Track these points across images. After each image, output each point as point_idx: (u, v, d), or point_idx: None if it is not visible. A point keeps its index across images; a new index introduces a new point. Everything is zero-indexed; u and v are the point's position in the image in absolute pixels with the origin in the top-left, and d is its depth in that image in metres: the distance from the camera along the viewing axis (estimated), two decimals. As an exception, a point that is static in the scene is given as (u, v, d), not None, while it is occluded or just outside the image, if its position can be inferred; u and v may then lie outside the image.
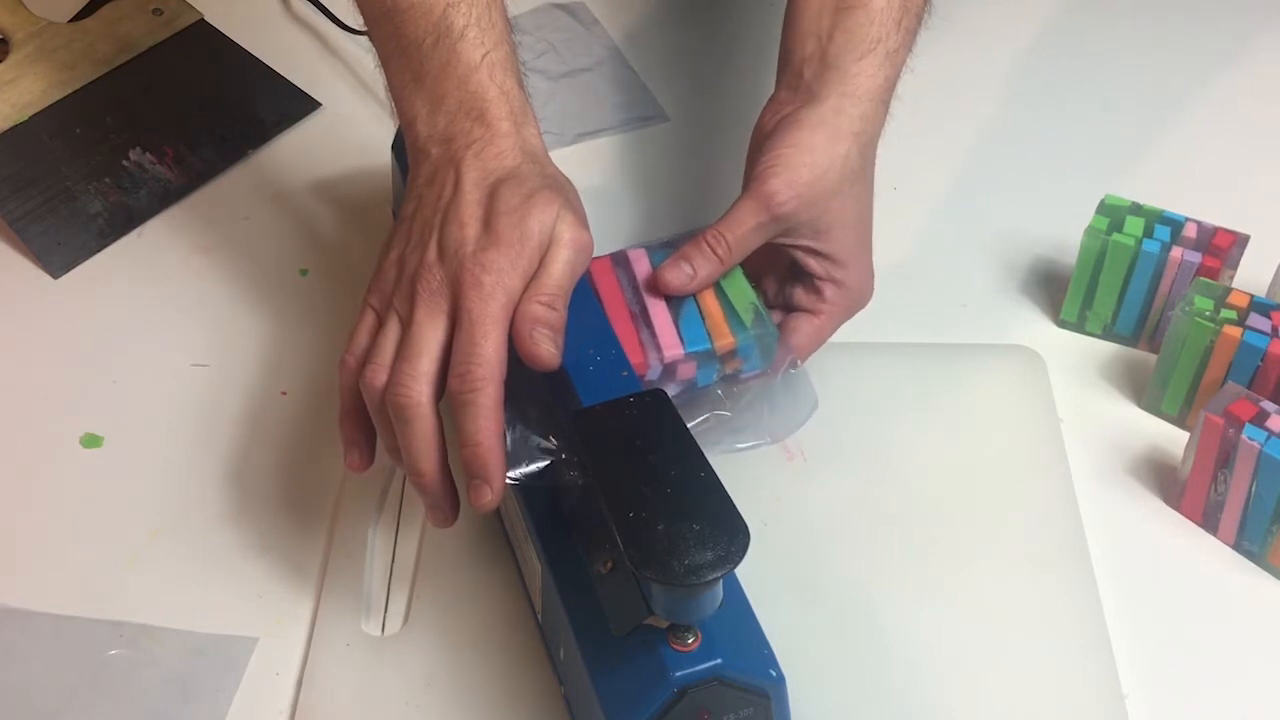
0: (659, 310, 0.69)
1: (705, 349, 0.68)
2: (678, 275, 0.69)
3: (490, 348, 0.60)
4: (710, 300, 0.70)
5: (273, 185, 0.93)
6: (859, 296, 0.73)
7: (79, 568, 0.72)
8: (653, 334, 0.68)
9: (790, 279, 0.73)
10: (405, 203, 0.67)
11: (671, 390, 0.68)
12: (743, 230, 0.69)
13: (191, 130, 0.94)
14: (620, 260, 0.71)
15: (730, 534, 0.54)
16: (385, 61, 0.69)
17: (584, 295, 0.67)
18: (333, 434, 0.77)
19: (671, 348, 0.68)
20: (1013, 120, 0.97)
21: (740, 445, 0.70)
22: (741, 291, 0.70)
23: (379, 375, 0.62)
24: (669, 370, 0.69)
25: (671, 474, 0.56)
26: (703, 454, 0.57)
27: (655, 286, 0.70)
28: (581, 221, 0.65)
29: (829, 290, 0.72)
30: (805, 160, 0.69)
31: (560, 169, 0.67)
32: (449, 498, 0.63)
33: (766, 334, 0.69)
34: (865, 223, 0.72)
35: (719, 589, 0.55)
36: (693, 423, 0.68)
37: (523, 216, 0.62)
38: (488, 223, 0.63)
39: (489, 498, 0.60)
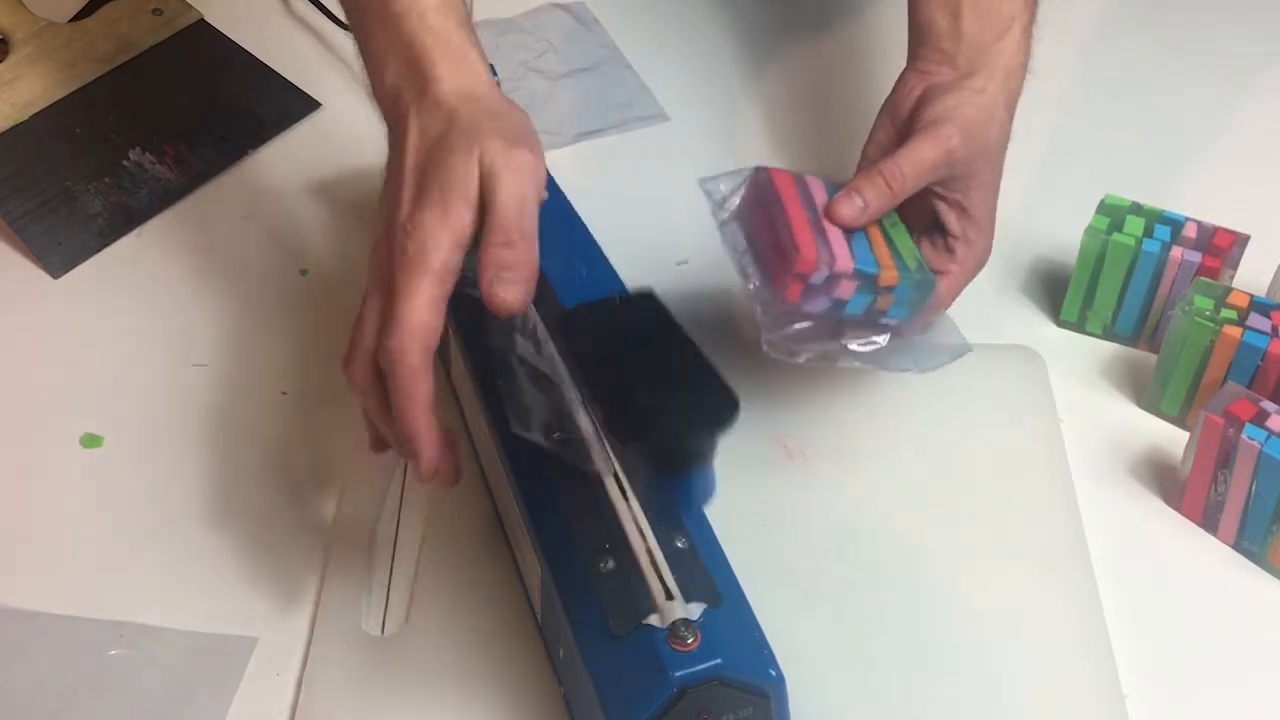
0: (834, 228, 0.69)
1: (872, 273, 0.68)
2: (850, 206, 0.69)
3: (407, 318, 0.57)
4: (878, 237, 0.70)
5: (273, 185, 0.93)
6: (983, 259, 0.74)
7: (79, 568, 0.72)
8: (827, 242, 0.67)
9: (922, 236, 0.74)
10: None
11: (818, 306, 0.68)
12: (919, 166, 0.69)
13: (191, 130, 0.94)
14: (799, 179, 0.71)
15: (719, 400, 0.51)
16: (353, 31, 0.68)
17: (563, 212, 0.64)
18: (333, 434, 0.78)
19: (844, 259, 0.67)
20: (1013, 120, 0.97)
21: (886, 370, 0.70)
22: (905, 241, 0.70)
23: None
24: (830, 282, 0.67)
25: (658, 356, 0.54)
26: (694, 343, 0.54)
27: (828, 216, 0.69)
28: (514, 142, 0.60)
29: (960, 249, 0.72)
30: (971, 115, 0.70)
31: (509, 99, 0.64)
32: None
33: (925, 281, 0.69)
34: (998, 188, 0.74)
35: (710, 469, 0.52)
36: (855, 342, 0.68)
37: (442, 165, 0.59)
38: (419, 185, 0.60)
39: (424, 469, 0.59)
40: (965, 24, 0.73)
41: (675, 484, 0.53)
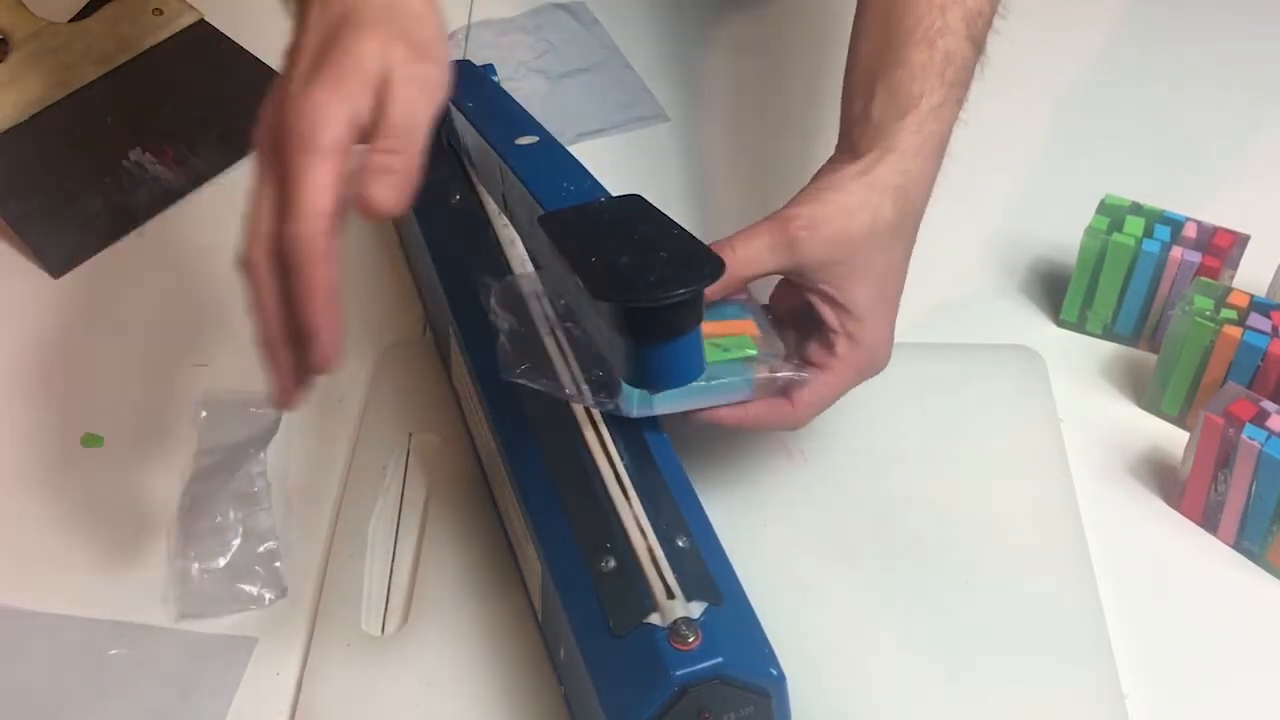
0: None
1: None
2: None
3: (310, 201, 0.55)
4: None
5: (273, 185, 0.93)
6: (873, 358, 0.69)
7: (79, 568, 0.72)
8: None
9: (806, 334, 0.70)
10: None
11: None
12: (754, 245, 0.66)
13: (191, 130, 0.94)
14: None
15: (700, 260, 0.50)
16: None
17: (551, 145, 0.64)
18: (332, 434, 0.78)
19: None
20: (1013, 120, 0.97)
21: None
22: (733, 341, 0.67)
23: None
24: None
25: (641, 232, 0.52)
26: (679, 224, 0.53)
27: None
28: (420, 52, 0.59)
29: (841, 345, 0.68)
30: (833, 199, 0.66)
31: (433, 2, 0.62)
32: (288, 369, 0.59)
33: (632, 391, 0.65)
34: (891, 281, 0.69)
35: (697, 339, 0.51)
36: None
37: (342, 50, 0.57)
38: (316, 61, 0.58)
39: (322, 363, 0.57)
40: (874, 108, 0.69)
41: (661, 355, 0.52)
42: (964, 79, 0.70)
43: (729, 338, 0.67)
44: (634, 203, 0.55)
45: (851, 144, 0.69)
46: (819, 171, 0.70)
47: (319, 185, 0.55)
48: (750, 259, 0.67)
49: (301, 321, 0.57)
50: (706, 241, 0.68)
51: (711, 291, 0.66)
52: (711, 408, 0.68)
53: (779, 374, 0.68)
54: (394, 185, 0.56)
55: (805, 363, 0.69)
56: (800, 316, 0.70)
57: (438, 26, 0.62)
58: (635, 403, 0.66)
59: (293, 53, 0.60)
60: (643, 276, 0.49)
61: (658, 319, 0.51)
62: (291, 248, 0.55)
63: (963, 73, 0.70)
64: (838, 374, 0.68)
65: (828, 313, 0.68)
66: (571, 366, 0.67)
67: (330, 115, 0.56)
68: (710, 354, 0.66)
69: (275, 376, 0.59)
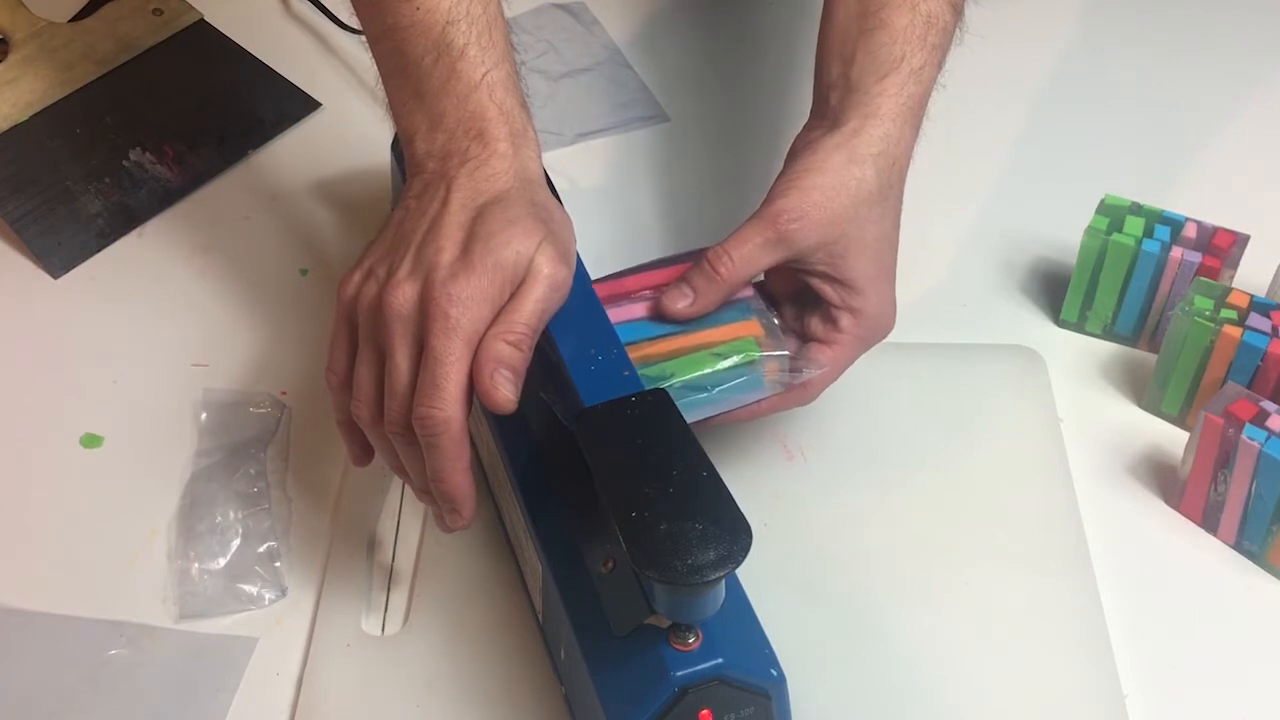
0: (651, 303, 0.68)
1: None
2: (678, 301, 0.68)
3: (451, 388, 0.59)
4: (685, 340, 0.67)
5: (273, 185, 0.93)
6: (878, 326, 0.70)
7: (79, 568, 0.72)
8: (632, 301, 0.68)
9: (808, 307, 0.70)
10: (394, 211, 0.66)
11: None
12: (747, 247, 0.67)
13: (191, 130, 0.94)
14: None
15: (733, 533, 0.54)
16: (386, 79, 0.68)
17: (584, 294, 0.66)
18: (332, 434, 0.78)
19: (613, 315, 0.66)
20: (1013, 120, 0.97)
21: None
22: (694, 363, 0.67)
23: (364, 411, 0.63)
24: None
25: (674, 473, 0.56)
26: (705, 454, 0.57)
27: (662, 310, 0.68)
28: (562, 256, 0.62)
29: (845, 319, 0.68)
30: (817, 181, 0.66)
31: (557, 200, 0.66)
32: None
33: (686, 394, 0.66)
34: (885, 248, 0.69)
35: (721, 588, 0.55)
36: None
37: (501, 244, 0.60)
38: (466, 247, 0.61)
39: (460, 524, 0.63)
40: (853, 71, 0.69)
41: (686, 603, 0.55)
42: (944, 43, 0.70)
43: (728, 344, 0.68)
44: (661, 409, 0.59)
45: (828, 110, 0.69)
46: (795, 145, 0.70)
47: (463, 373, 0.59)
48: (746, 261, 0.67)
49: (440, 493, 0.62)
50: (704, 243, 0.69)
51: (710, 302, 0.68)
52: (725, 413, 0.68)
53: (792, 374, 0.68)
54: (513, 382, 0.60)
55: (809, 338, 0.70)
56: (799, 293, 0.71)
57: (573, 235, 0.65)
58: None
59: (434, 225, 0.62)
60: (680, 556, 0.53)
61: (690, 589, 0.54)
62: (432, 430, 0.59)
63: (943, 36, 0.70)
64: (845, 347, 0.69)
65: (828, 291, 0.68)
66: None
67: (480, 309, 0.60)
68: (710, 362, 0.67)
69: (434, 512, 0.65)
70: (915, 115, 0.69)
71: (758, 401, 0.68)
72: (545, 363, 0.64)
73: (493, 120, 0.64)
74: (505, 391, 0.59)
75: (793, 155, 0.70)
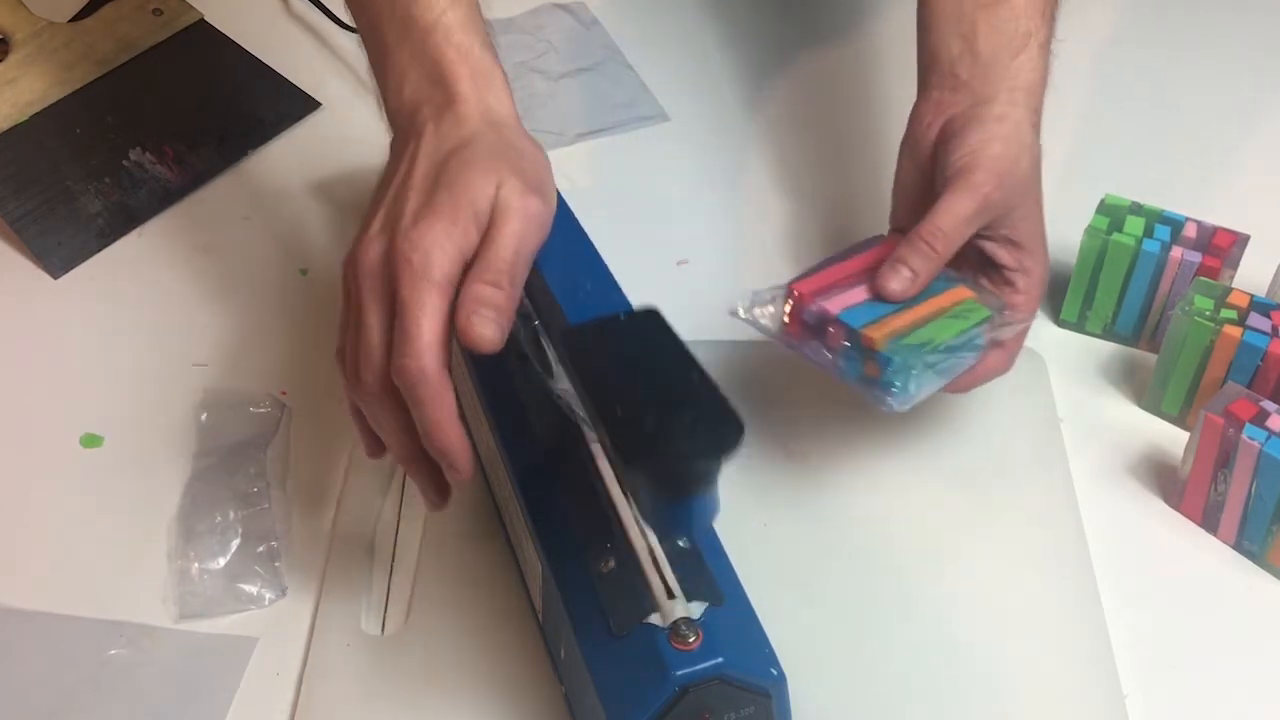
0: (866, 285, 0.68)
1: (853, 327, 0.65)
2: (898, 279, 0.67)
3: (425, 335, 0.57)
4: (917, 314, 0.67)
5: (273, 185, 0.93)
6: (1045, 280, 0.72)
7: (79, 568, 0.72)
8: (845, 291, 0.67)
9: (978, 273, 0.71)
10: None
11: (814, 354, 0.67)
12: (958, 221, 0.67)
13: (191, 130, 0.94)
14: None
15: (723, 423, 0.51)
16: (365, 50, 0.67)
17: (571, 230, 0.65)
18: (332, 434, 0.78)
19: (835, 304, 0.66)
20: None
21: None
22: (949, 329, 0.67)
23: (348, 380, 0.62)
24: (821, 325, 0.66)
25: (662, 375, 0.53)
26: (698, 361, 0.54)
27: (877, 291, 0.67)
28: (532, 187, 0.61)
29: (1021, 281, 0.70)
30: (999, 150, 0.68)
31: (531, 137, 0.65)
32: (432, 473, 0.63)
33: (911, 366, 0.64)
34: (1042, 210, 0.72)
35: (714, 494, 0.52)
36: None
37: (461, 187, 0.59)
38: (429, 194, 0.60)
39: (460, 477, 0.60)
40: (981, 45, 0.70)
41: (678, 507, 0.53)
42: (1056, 14, 0.73)
43: (958, 305, 0.68)
44: (653, 325, 0.56)
45: (963, 83, 0.70)
46: (934, 117, 0.70)
47: (434, 319, 0.57)
48: (958, 234, 0.68)
49: (432, 448, 0.59)
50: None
51: (928, 278, 0.67)
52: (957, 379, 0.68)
53: (1004, 329, 0.69)
54: (495, 320, 0.58)
55: None
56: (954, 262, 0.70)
57: (547, 168, 0.64)
58: (896, 406, 0.65)
59: (402, 179, 0.62)
60: (666, 444, 0.50)
61: (678, 484, 0.52)
62: (410, 381, 0.57)
63: (1057, 7, 0.73)
64: (1026, 310, 0.71)
65: (1003, 255, 0.70)
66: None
67: (444, 251, 0.58)
68: (952, 326, 0.67)
69: (420, 485, 0.63)
70: (1044, 88, 0.72)
71: (972, 367, 0.69)
72: (534, 298, 0.63)
73: (451, 63, 0.63)
74: (483, 329, 0.57)
75: (938, 132, 0.70)
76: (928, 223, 0.67)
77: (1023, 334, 0.72)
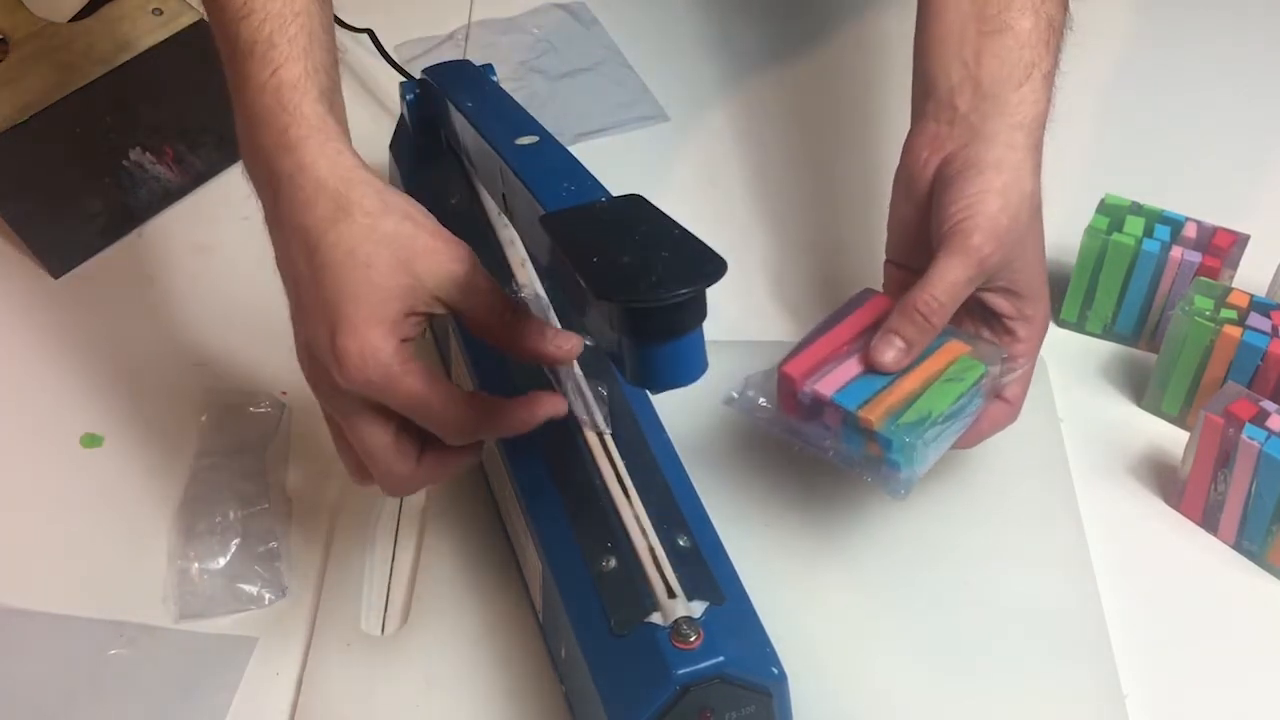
0: (859, 356, 0.66)
1: (849, 409, 0.63)
2: (891, 353, 0.65)
3: (436, 406, 0.58)
4: (911, 383, 0.65)
5: (273, 185, 0.93)
6: (1045, 328, 0.69)
7: (79, 568, 0.72)
8: (838, 367, 0.66)
9: (969, 322, 0.69)
10: None
11: (815, 434, 0.66)
12: (954, 290, 0.65)
13: (191, 130, 0.94)
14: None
15: (703, 258, 0.49)
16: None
17: (556, 151, 0.65)
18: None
19: (828, 384, 0.65)
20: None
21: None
22: (946, 396, 0.65)
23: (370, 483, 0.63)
24: (816, 406, 0.65)
25: (642, 227, 0.52)
26: (681, 226, 0.52)
27: (870, 363, 0.65)
28: (442, 254, 0.58)
29: (1022, 329, 0.68)
30: (997, 205, 0.65)
31: (377, 176, 0.60)
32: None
33: (913, 446, 0.63)
34: (1043, 249, 0.69)
35: (699, 339, 0.51)
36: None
37: (345, 281, 0.57)
38: (333, 308, 0.57)
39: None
40: (983, 73, 0.67)
41: (664, 355, 0.51)
42: (1061, 45, 0.70)
43: (952, 365, 0.66)
44: (635, 203, 0.55)
45: (960, 116, 0.67)
46: (931, 152, 0.68)
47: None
48: (953, 301, 0.65)
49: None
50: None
51: (923, 347, 0.65)
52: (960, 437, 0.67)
53: (1004, 376, 0.68)
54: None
55: None
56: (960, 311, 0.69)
57: (413, 215, 0.59)
58: (904, 489, 0.64)
59: (301, 301, 0.60)
60: (645, 277, 0.49)
61: (660, 319, 0.50)
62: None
63: (1062, 39, 0.70)
64: (1028, 357, 0.69)
65: (1002, 304, 0.68)
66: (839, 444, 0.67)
67: (378, 353, 0.57)
68: (949, 392, 0.65)
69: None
70: (1046, 120, 0.69)
71: (977, 423, 0.67)
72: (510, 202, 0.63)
73: (281, 129, 0.59)
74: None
75: (935, 172, 0.68)
76: (922, 291, 0.65)
77: (1026, 382, 0.70)
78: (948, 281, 0.64)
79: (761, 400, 0.67)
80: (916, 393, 0.65)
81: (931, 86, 0.69)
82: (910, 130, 0.70)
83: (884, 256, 0.72)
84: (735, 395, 0.67)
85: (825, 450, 0.65)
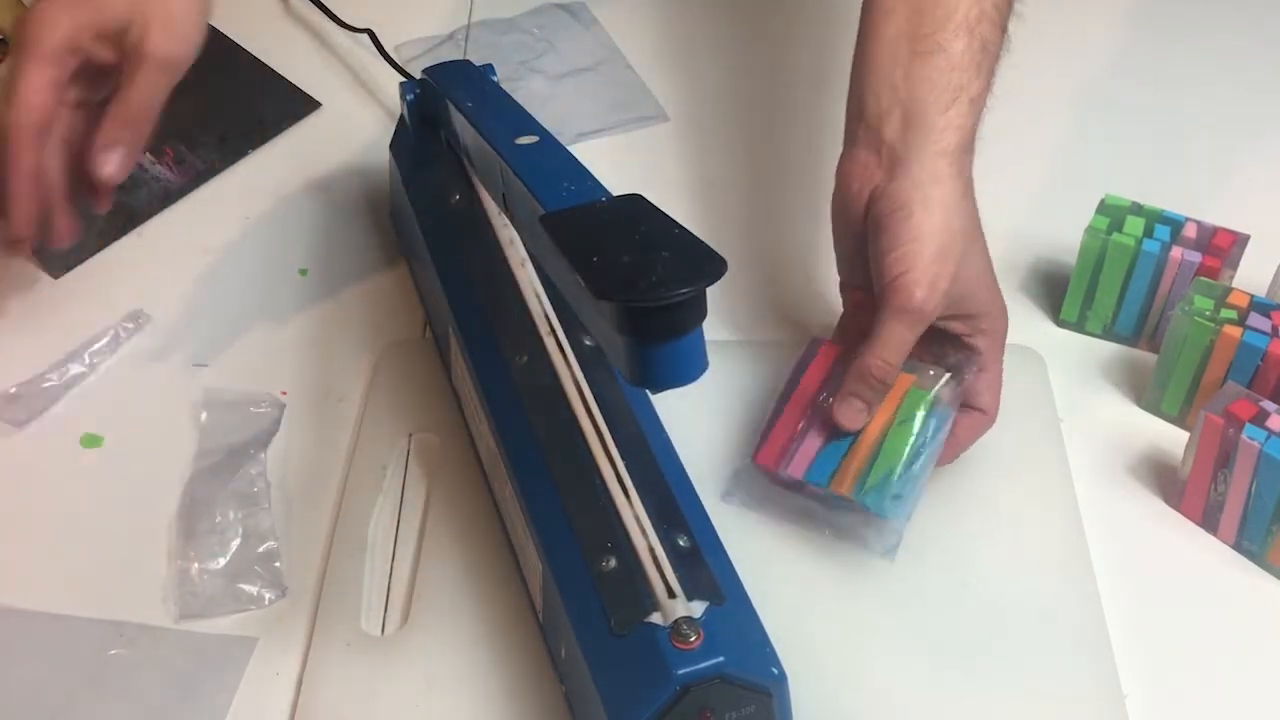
0: (819, 423, 0.70)
1: (820, 485, 0.69)
2: (851, 414, 0.68)
3: (20, 93, 0.67)
4: (871, 436, 0.69)
5: (273, 185, 0.93)
6: (1004, 330, 0.70)
7: (79, 568, 0.72)
8: (804, 438, 0.70)
9: (935, 340, 0.70)
10: None
11: (815, 512, 0.71)
12: (904, 347, 0.66)
13: (191, 130, 0.94)
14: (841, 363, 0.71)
15: (704, 259, 0.50)
16: None
17: (553, 146, 0.65)
18: (332, 434, 0.78)
19: (798, 466, 0.69)
20: (1013, 121, 0.97)
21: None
22: (901, 443, 0.68)
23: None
24: (793, 484, 0.70)
25: (642, 235, 0.52)
26: (681, 225, 0.53)
27: (835, 422, 0.69)
28: (169, 33, 0.70)
29: (981, 341, 0.69)
30: (931, 251, 0.65)
31: None
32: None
33: (883, 509, 0.67)
34: (989, 263, 0.69)
35: (699, 340, 0.52)
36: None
37: None
38: None
39: (15, 227, 0.71)
40: (911, 96, 0.66)
41: (664, 355, 0.51)
42: (995, 68, 0.69)
43: (902, 408, 0.69)
44: (635, 202, 0.55)
45: (887, 145, 0.67)
46: (860, 183, 0.68)
47: (34, 84, 0.67)
48: (901, 357, 0.67)
49: (3, 192, 0.70)
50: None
51: (880, 403, 0.68)
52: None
53: (965, 381, 0.70)
54: (120, 160, 0.70)
55: (948, 368, 0.70)
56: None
57: (198, 9, 0.71)
58: (892, 550, 0.69)
59: None
60: (644, 276, 0.49)
61: (660, 319, 0.51)
62: (3, 133, 0.68)
63: (995, 61, 0.69)
64: (991, 366, 0.70)
65: (958, 326, 0.69)
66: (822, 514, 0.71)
67: (54, 24, 0.67)
68: (903, 435, 0.68)
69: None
70: (974, 141, 0.69)
71: (951, 437, 0.70)
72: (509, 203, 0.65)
73: None
74: (108, 164, 0.70)
75: (870, 206, 0.68)
76: (873, 356, 0.66)
77: (997, 386, 0.71)
78: (895, 340, 0.66)
79: (753, 498, 0.72)
80: (874, 448, 0.69)
81: (861, 110, 0.69)
82: (842, 154, 0.71)
83: None
84: (734, 497, 0.73)
85: (823, 532, 0.71)
